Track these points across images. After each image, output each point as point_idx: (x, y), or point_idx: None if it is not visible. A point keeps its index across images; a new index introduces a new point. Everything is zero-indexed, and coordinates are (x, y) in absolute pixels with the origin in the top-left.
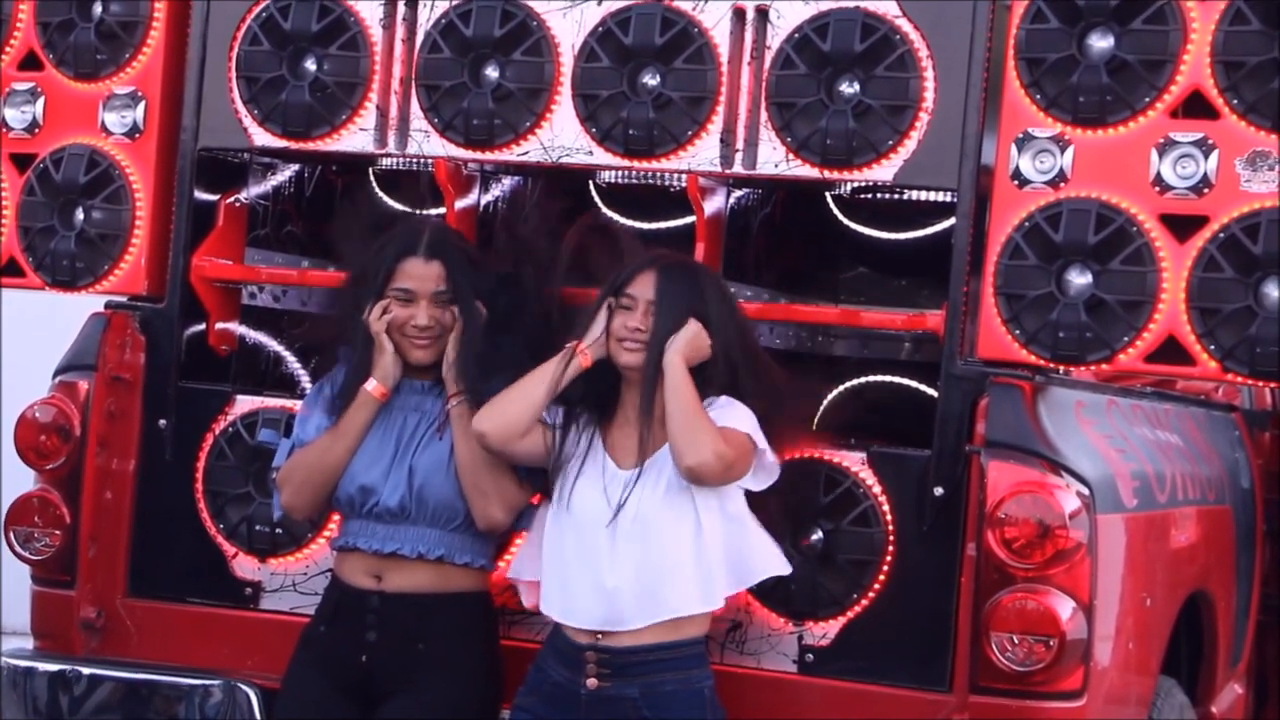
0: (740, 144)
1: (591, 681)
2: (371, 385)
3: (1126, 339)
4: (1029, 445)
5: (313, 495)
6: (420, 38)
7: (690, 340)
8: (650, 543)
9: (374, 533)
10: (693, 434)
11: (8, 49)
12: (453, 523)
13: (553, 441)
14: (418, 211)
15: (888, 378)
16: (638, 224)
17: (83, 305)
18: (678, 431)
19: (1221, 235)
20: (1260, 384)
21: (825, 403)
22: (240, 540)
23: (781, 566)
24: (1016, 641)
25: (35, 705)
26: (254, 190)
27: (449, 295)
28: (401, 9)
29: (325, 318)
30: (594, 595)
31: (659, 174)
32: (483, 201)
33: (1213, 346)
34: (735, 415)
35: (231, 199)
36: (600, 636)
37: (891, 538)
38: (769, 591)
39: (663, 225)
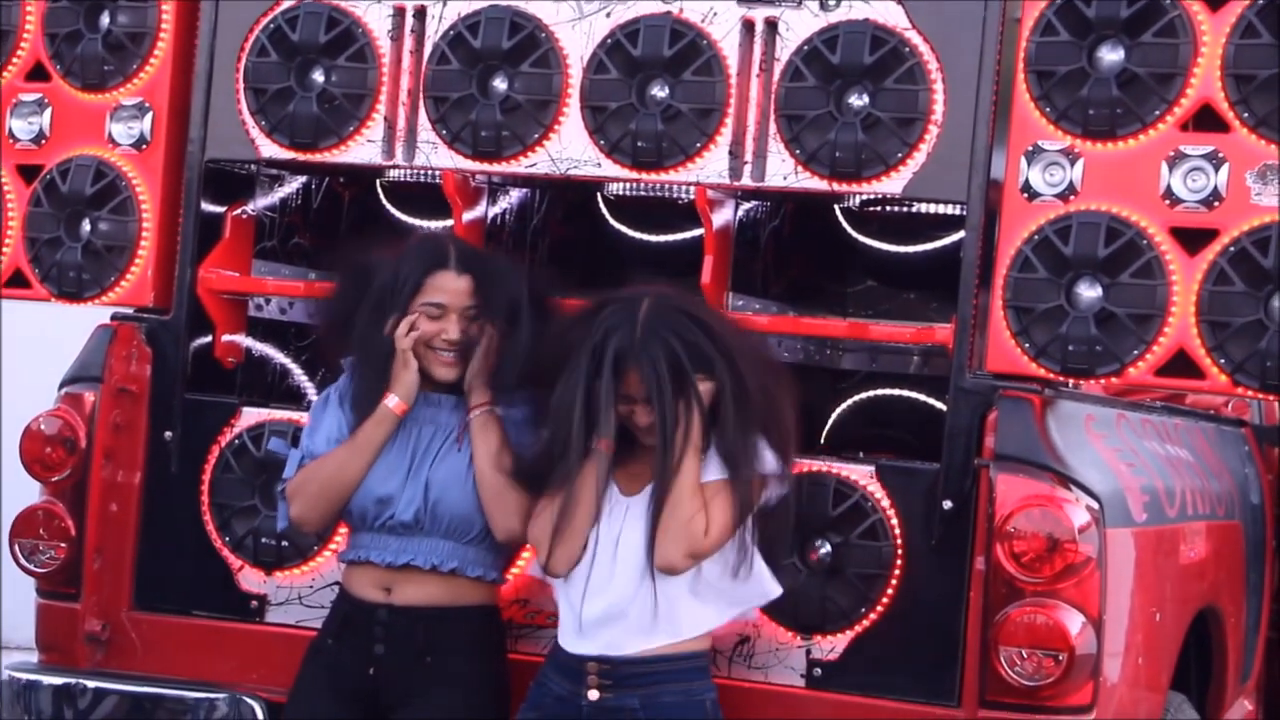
0: (749, 156)
1: (593, 693)
2: (393, 402)
3: (1136, 352)
4: (1038, 459)
5: (326, 509)
6: (428, 49)
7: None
8: (644, 568)
9: (386, 545)
10: (666, 531)
11: (15, 60)
12: (467, 535)
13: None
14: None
15: (896, 391)
16: (646, 236)
17: (82, 317)
18: (660, 524)
19: (1232, 248)
20: (1270, 398)
21: (833, 416)
22: (246, 553)
23: (774, 589)
24: (1025, 656)
25: (39, 719)
26: (261, 202)
27: (477, 309)
28: (410, 20)
29: (331, 328)
30: (592, 619)
31: (667, 186)
32: (490, 214)
33: (1223, 360)
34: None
35: (238, 211)
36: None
37: (900, 551)
38: (777, 605)
39: (671, 238)
